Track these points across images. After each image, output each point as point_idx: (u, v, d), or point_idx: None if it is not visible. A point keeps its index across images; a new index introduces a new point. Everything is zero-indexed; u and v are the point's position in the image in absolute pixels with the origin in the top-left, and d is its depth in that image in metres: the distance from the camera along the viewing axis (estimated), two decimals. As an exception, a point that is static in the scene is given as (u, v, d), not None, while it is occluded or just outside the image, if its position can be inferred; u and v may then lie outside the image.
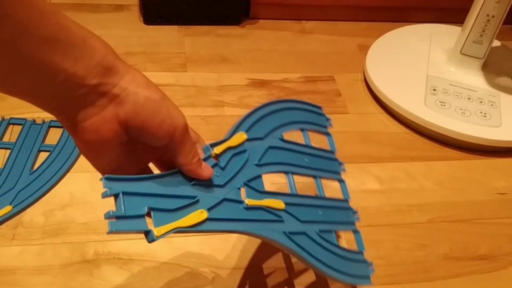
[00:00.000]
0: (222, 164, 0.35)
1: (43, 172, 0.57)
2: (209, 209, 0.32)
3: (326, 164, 0.47)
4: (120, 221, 0.28)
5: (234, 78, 0.76)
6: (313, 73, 0.80)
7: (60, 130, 0.63)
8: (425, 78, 0.76)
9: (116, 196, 0.28)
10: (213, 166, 0.34)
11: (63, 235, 0.52)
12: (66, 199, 0.56)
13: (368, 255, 0.54)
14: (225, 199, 0.34)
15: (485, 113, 0.71)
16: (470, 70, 0.76)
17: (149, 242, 0.29)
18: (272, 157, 0.40)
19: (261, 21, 0.90)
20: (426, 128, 0.69)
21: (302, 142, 0.45)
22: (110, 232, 0.27)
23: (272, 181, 0.44)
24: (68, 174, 0.58)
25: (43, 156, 0.60)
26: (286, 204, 0.39)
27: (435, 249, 0.56)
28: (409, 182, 0.64)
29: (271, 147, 0.40)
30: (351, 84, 0.79)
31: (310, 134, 0.47)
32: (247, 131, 0.39)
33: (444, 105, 0.71)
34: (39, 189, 0.55)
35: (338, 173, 0.48)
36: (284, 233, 0.37)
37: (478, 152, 0.69)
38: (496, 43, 0.84)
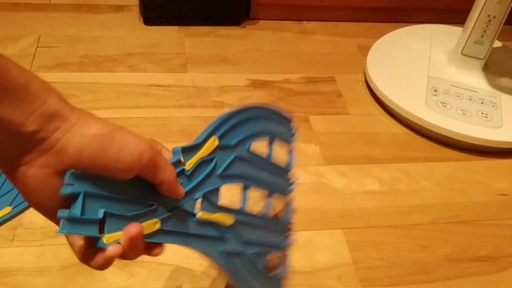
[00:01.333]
0: (187, 172, 0.34)
1: None
2: (163, 220, 0.32)
3: (281, 181, 0.46)
4: (73, 223, 0.27)
5: (234, 79, 0.76)
6: (313, 73, 0.79)
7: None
8: (426, 79, 0.75)
9: (75, 196, 0.27)
10: (179, 173, 0.33)
11: (63, 236, 0.52)
12: (66, 200, 0.56)
13: (368, 256, 0.54)
14: (180, 209, 0.33)
15: (486, 114, 0.70)
16: (471, 71, 0.76)
17: (97, 248, 0.28)
18: (236, 168, 0.39)
19: (261, 21, 0.90)
20: (427, 129, 0.69)
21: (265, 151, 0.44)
22: (60, 233, 0.27)
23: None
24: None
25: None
26: (235, 221, 0.38)
27: (436, 250, 0.56)
28: (410, 183, 0.64)
29: (237, 158, 0.39)
30: (351, 85, 0.78)
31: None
32: (220, 136, 0.37)
33: (445, 106, 0.71)
34: (39, 190, 0.55)
35: (287, 193, 0.47)
36: (224, 252, 0.37)
37: (479, 153, 0.69)
38: (497, 43, 0.84)
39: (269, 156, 0.43)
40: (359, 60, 0.83)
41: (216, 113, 0.70)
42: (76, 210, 0.27)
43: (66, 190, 0.27)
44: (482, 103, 0.72)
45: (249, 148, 0.40)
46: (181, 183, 0.33)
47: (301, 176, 0.63)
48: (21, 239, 0.51)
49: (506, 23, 0.72)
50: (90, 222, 0.28)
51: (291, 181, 0.47)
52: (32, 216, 0.53)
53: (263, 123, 0.42)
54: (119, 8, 0.88)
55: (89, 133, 0.26)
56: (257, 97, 0.73)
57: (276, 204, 0.49)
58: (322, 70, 0.80)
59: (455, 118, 0.69)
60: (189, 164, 0.33)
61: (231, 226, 0.38)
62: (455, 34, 0.78)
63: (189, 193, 0.33)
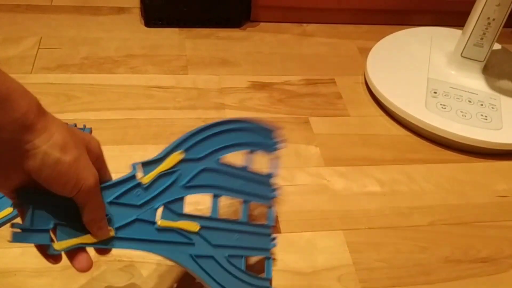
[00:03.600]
0: (145, 185, 0.36)
1: None
2: (117, 228, 0.34)
3: (260, 188, 0.47)
4: (25, 233, 0.30)
5: (235, 80, 0.77)
6: (314, 75, 0.80)
7: (61, 132, 0.63)
8: (426, 81, 0.76)
9: (26, 208, 0.30)
10: (135, 186, 0.35)
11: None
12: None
13: (369, 257, 0.55)
14: (137, 219, 0.35)
15: (485, 116, 0.71)
16: (471, 73, 0.77)
17: (50, 254, 0.31)
18: (203, 179, 0.40)
19: (262, 24, 0.90)
20: (427, 131, 0.70)
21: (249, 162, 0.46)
22: (12, 242, 0.29)
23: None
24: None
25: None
26: (201, 227, 0.40)
27: (436, 251, 0.56)
28: (410, 184, 0.64)
29: (205, 169, 0.40)
30: (352, 86, 0.79)
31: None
32: (186, 150, 0.39)
33: (445, 108, 0.71)
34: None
35: (269, 199, 0.49)
36: (191, 256, 0.38)
37: (479, 155, 0.69)
38: (497, 46, 0.84)
39: (247, 165, 0.45)
40: (359, 62, 0.83)
41: (217, 115, 0.70)
42: (27, 221, 0.30)
43: (17, 204, 0.30)
44: (482, 105, 0.73)
45: (218, 160, 0.42)
46: (138, 195, 0.36)
47: (301, 177, 0.63)
48: (22, 239, 0.52)
49: (505, 26, 0.72)
50: (41, 231, 0.31)
51: (274, 187, 0.49)
52: (33, 217, 0.54)
53: (239, 135, 0.44)
54: (120, 10, 0.88)
55: (55, 157, 0.28)
56: (257, 99, 0.74)
57: (258, 210, 0.51)
58: (322, 72, 0.81)
59: (455, 120, 0.69)
60: (148, 177, 0.36)
61: (198, 232, 0.39)
62: (454, 36, 0.78)
63: (147, 203, 0.36)
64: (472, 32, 0.73)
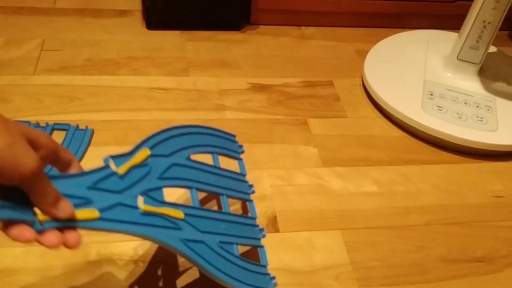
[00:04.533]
0: (120, 174, 0.37)
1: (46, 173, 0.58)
2: (101, 210, 0.34)
3: (235, 184, 0.49)
4: (7, 209, 0.30)
5: (234, 82, 0.77)
6: (312, 77, 0.81)
7: (64, 133, 0.64)
8: (422, 83, 0.77)
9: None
10: (112, 174, 0.36)
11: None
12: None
13: (366, 257, 0.55)
14: (120, 204, 0.36)
15: (481, 118, 0.72)
16: (467, 75, 0.77)
17: (37, 231, 0.31)
18: (176, 172, 0.42)
19: (261, 26, 0.91)
20: (423, 132, 0.70)
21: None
22: None
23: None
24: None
25: (47, 158, 0.60)
26: (186, 214, 0.40)
27: (432, 251, 0.57)
28: (407, 185, 0.65)
29: (175, 164, 0.42)
30: (349, 88, 0.80)
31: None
32: (151, 148, 0.40)
33: (441, 110, 0.72)
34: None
35: (247, 194, 0.50)
36: (181, 240, 0.39)
37: (475, 156, 0.70)
38: (493, 48, 0.85)
39: (216, 164, 0.48)
40: (356, 65, 0.84)
41: (217, 116, 0.71)
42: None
43: None
44: (478, 107, 0.73)
45: (188, 157, 0.44)
46: (116, 183, 0.36)
47: (299, 177, 0.64)
48: (25, 238, 0.52)
49: (501, 29, 0.73)
50: (23, 208, 0.31)
51: (248, 184, 0.51)
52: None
53: (200, 137, 0.47)
54: (122, 12, 0.89)
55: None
56: (257, 101, 0.75)
57: (237, 206, 0.53)
58: (320, 74, 0.82)
59: (451, 121, 0.70)
60: (122, 169, 0.37)
61: (184, 219, 0.40)
62: (451, 39, 0.79)
63: (126, 189, 0.37)
64: (468, 35, 0.74)
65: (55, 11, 0.86)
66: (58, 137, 0.63)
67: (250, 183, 0.51)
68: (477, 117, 0.72)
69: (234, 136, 0.52)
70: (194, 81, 0.77)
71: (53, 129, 0.64)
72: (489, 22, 0.72)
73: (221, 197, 0.47)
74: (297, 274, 0.53)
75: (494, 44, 0.78)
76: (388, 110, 0.73)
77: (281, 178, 0.63)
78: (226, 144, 0.51)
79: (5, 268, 0.49)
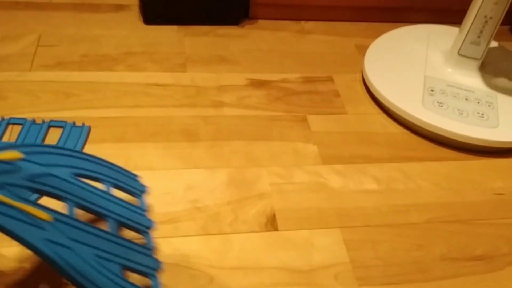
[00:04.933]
0: None
1: None
2: None
3: (130, 214, 0.45)
4: None
5: (233, 78, 0.77)
6: (311, 73, 0.80)
7: (60, 130, 0.63)
8: (423, 79, 0.76)
9: None
10: None
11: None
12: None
13: (365, 255, 0.55)
14: None
15: (482, 114, 0.71)
16: (468, 71, 0.77)
17: None
18: (53, 182, 0.39)
19: (260, 21, 0.90)
20: (424, 129, 0.70)
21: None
22: None
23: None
24: (68, 174, 0.59)
25: (43, 156, 0.60)
26: (55, 219, 0.37)
27: (432, 249, 0.57)
28: (407, 182, 0.64)
29: (53, 175, 0.39)
30: (349, 84, 0.79)
31: None
32: (26, 154, 0.38)
33: (442, 106, 0.72)
34: (39, 189, 0.56)
35: (144, 226, 0.46)
36: (42, 238, 0.35)
37: (476, 153, 0.70)
38: (494, 44, 0.84)
39: (108, 188, 0.45)
40: (356, 60, 0.84)
41: (215, 113, 0.71)
42: None
43: None
44: (479, 103, 0.73)
45: (73, 175, 0.41)
46: None
47: (298, 175, 0.63)
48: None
49: (502, 24, 0.72)
50: None
51: (147, 216, 0.47)
52: (33, 215, 0.54)
53: (94, 165, 0.44)
54: (119, 7, 0.88)
55: None
56: (255, 97, 0.74)
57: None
58: (320, 69, 0.81)
59: (452, 118, 0.70)
60: None
61: (51, 222, 0.37)
62: (452, 34, 0.78)
63: None
64: (469, 30, 0.73)
65: (51, 6, 0.85)
66: (54, 134, 0.63)
67: (154, 220, 0.47)
68: (478, 113, 0.71)
69: (135, 175, 0.48)
70: (192, 77, 0.76)
71: (49, 127, 0.63)
72: (491, 17, 0.71)
73: (108, 219, 0.42)
74: (296, 273, 0.52)
75: (495, 39, 0.77)
76: (388, 106, 0.73)
77: (280, 176, 0.62)
78: (125, 180, 0.47)
79: (2, 268, 0.49)
